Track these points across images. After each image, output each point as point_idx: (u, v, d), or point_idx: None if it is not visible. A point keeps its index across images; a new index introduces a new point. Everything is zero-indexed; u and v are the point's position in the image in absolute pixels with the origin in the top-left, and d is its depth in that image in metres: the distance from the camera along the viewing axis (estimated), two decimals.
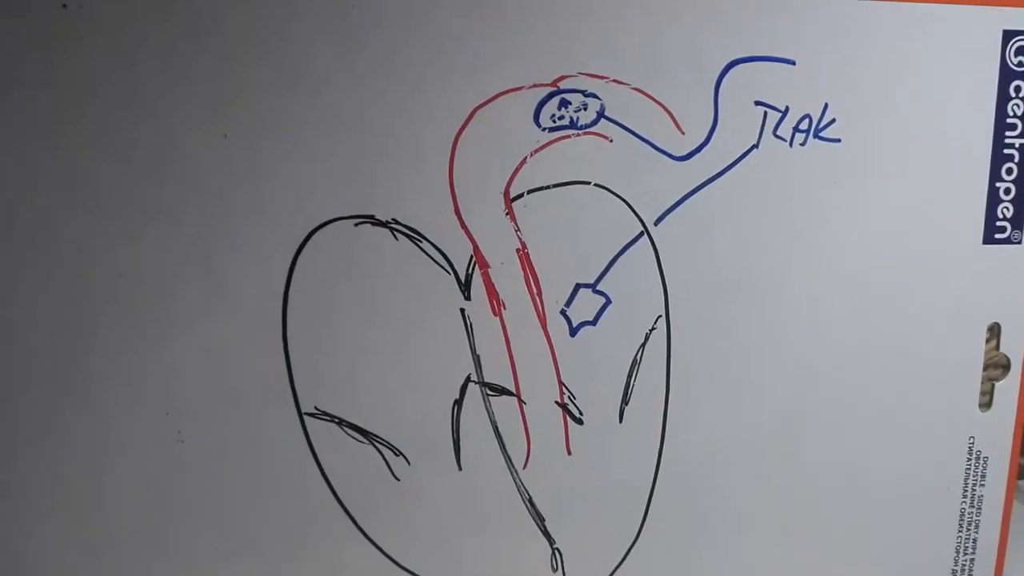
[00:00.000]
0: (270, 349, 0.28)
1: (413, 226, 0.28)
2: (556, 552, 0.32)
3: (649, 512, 0.31)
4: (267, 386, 0.29)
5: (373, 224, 0.28)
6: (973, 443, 0.33)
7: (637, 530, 0.32)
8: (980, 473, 0.33)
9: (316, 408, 0.29)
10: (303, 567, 0.30)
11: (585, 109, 0.28)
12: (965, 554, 0.34)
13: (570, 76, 0.28)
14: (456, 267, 0.29)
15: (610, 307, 0.30)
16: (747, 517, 0.32)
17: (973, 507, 0.33)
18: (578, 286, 0.29)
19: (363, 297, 0.29)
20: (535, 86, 0.28)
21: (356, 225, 0.28)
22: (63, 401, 0.28)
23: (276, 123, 0.27)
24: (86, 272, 0.27)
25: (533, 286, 0.29)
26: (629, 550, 0.32)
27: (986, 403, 0.32)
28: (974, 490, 0.33)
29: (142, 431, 0.29)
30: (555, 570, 0.32)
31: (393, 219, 0.28)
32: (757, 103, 0.29)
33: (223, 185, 0.27)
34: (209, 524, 0.29)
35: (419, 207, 0.28)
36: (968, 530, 0.33)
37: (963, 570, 0.34)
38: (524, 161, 0.28)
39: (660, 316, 0.30)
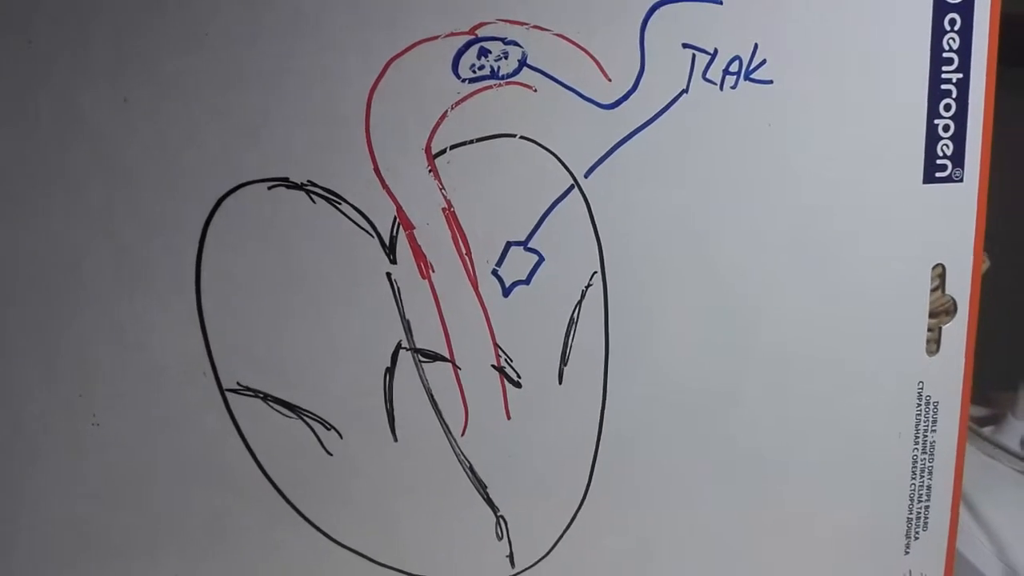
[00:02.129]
0: (185, 324, 0.27)
1: (331, 187, 0.27)
2: (500, 520, 0.31)
3: (594, 474, 0.31)
4: (185, 363, 0.27)
5: (288, 187, 0.27)
6: (922, 388, 0.32)
7: (582, 493, 0.31)
8: (931, 418, 0.32)
9: (239, 384, 0.28)
10: (234, 551, 0.29)
11: (506, 58, 0.27)
12: (920, 502, 0.33)
13: (488, 23, 0.27)
14: (379, 229, 0.28)
15: (543, 265, 0.29)
16: (693, 476, 0.31)
17: (925, 453, 0.33)
18: (509, 244, 0.28)
19: (282, 265, 0.27)
20: (451, 35, 0.26)
21: (269, 189, 0.27)
22: None
23: (179, 85, 0.26)
24: None
25: (462, 246, 0.28)
26: (575, 514, 0.31)
27: (934, 347, 0.32)
28: (925, 436, 0.33)
29: (55, 416, 0.27)
30: (500, 538, 0.31)
31: (309, 181, 0.27)
32: (685, 46, 0.28)
33: (127, 153, 0.26)
34: (131, 511, 0.28)
35: (336, 167, 0.27)
36: (921, 477, 0.33)
37: (918, 518, 0.33)
38: (445, 115, 0.27)
39: (596, 272, 0.29)
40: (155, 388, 0.27)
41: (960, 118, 0.30)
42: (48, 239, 0.26)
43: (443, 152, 0.27)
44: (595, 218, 0.29)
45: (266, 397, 0.28)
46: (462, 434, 0.30)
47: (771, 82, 0.28)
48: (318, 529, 0.30)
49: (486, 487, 0.30)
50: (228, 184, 0.26)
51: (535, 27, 0.27)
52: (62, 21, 0.25)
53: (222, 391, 0.28)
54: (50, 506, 0.28)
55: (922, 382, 0.32)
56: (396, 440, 0.29)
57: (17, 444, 0.27)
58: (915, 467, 0.33)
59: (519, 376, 0.30)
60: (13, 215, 0.26)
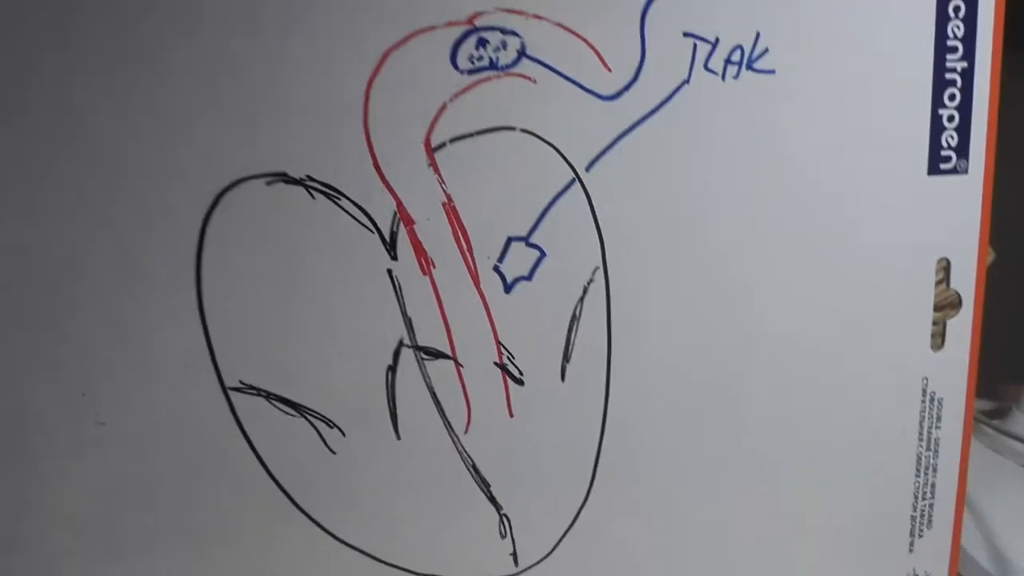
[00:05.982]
0: (186, 322, 0.27)
1: (330, 182, 0.27)
2: (504, 518, 0.30)
3: (597, 472, 0.30)
4: (187, 362, 0.27)
5: (286, 182, 0.27)
6: (927, 384, 0.32)
7: (586, 491, 0.30)
8: (935, 415, 0.32)
9: (241, 382, 0.28)
10: (237, 549, 0.29)
11: (505, 48, 0.27)
12: (924, 499, 0.33)
13: (486, 12, 0.26)
14: (379, 225, 0.27)
15: (545, 260, 0.28)
16: (697, 472, 0.31)
17: (930, 450, 0.32)
18: (510, 239, 0.28)
19: (282, 261, 0.27)
20: (449, 25, 0.26)
21: (268, 184, 0.26)
22: None
23: (175, 78, 0.26)
24: None
25: (463, 241, 0.28)
26: (579, 512, 0.31)
27: (938, 342, 0.31)
28: (930, 432, 0.32)
29: (58, 415, 0.27)
30: (503, 537, 0.31)
31: (307, 175, 0.27)
32: (686, 35, 0.27)
33: (123, 148, 0.26)
34: (134, 510, 0.28)
35: (334, 161, 0.27)
36: (926, 474, 0.33)
37: (922, 515, 0.33)
38: (444, 107, 0.27)
39: (597, 268, 0.29)
40: (158, 387, 0.27)
41: (965, 108, 0.29)
42: (47, 237, 0.26)
43: (443, 146, 0.27)
44: (596, 212, 0.28)
45: (269, 396, 0.28)
46: (465, 432, 0.29)
47: (773, 72, 0.28)
48: (321, 527, 0.29)
49: (489, 485, 0.30)
50: (226, 179, 0.26)
51: (534, 16, 0.26)
52: (54, 14, 0.25)
53: (224, 389, 0.28)
54: (54, 506, 0.28)
55: (926, 378, 0.32)
56: (399, 438, 0.29)
57: (21, 444, 0.27)
58: (919, 464, 0.33)
59: (521, 373, 0.29)
60: (11, 214, 0.26)
